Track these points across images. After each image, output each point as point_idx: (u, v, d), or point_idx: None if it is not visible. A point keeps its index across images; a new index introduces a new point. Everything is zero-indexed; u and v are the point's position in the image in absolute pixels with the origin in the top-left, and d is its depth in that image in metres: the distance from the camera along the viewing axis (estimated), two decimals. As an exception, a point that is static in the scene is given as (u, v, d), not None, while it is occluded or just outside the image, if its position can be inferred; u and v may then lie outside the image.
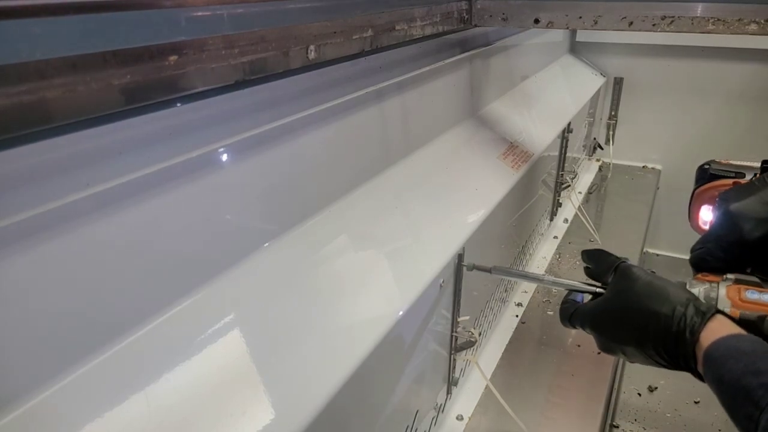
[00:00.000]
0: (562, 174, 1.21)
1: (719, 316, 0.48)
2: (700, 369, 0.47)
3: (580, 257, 1.15)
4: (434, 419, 0.69)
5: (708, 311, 0.48)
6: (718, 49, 1.46)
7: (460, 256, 0.65)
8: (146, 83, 0.37)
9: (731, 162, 0.67)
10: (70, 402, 0.35)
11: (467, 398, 0.76)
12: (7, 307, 0.32)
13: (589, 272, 0.61)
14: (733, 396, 0.42)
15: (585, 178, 1.54)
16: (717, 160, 0.69)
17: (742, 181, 0.64)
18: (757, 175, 0.62)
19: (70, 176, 0.35)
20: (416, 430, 0.64)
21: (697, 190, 0.69)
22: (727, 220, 0.57)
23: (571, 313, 0.59)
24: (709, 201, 0.67)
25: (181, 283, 0.44)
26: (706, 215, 0.67)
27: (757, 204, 0.56)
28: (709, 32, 0.75)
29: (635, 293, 0.52)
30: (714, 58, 1.48)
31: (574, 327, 0.59)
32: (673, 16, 0.76)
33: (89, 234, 0.36)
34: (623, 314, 0.53)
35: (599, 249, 0.62)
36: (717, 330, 0.47)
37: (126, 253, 0.39)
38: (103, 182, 0.37)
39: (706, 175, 0.68)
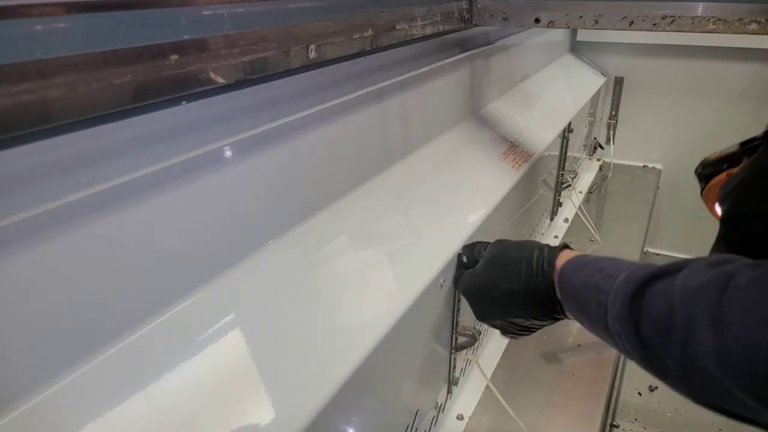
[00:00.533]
0: (562, 173, 1.21)
1: (567, 250, 0.55)
2: (559, 296, 0.52)
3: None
4: (434, 419, 0.69)
5: (559, 246, 0.55)
6: (718, 49, 1.46)
7: (460, 256, 0.65)
8: (147, 83, 0.37)
9: (719, 153, 0.71)
10: (70, 401, 0.35)
11: (467, 398, 0.76)
12: (7, 306, 0.32)
13: (465, 264, 0.64)
14: (584, 295, 0.47)
15: (585, 178, 1.54)
16: (707, 158, 0.72)
17: (735, 169, 0.67)
18: (741, 160, 0.66)
19: (71, 176, 0.35)
20: (416, 429, 0.64)
21: (703, 194, 0.73)
22: (727, 223, 0.58)
23: (457, 278, 0.64)
24: (715, 199, 0.70)
25: (181, 282, 0.44)
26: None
27: (749, 198, 0.56)
28: (709, 32, 0.75)
29: (502, 250, 0.59)
30: (715, 58, 1.48)
31: (458, 290, 0.64)
32: (673, 16, 0.76)
33: (89, 233, 0.36)
34: (495, 270, 0.58)
35: (474, 241, 0.66)
36: (566, 255, 0.53)
37: (126, 253, 0.39)
38: (104, 182, 0.37)
39: (702, 178, 0.72)
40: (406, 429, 0.61)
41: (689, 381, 0.38)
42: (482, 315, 0.61)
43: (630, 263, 0.46)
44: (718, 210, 0.68)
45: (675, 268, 0.41)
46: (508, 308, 0.57)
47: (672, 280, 0.40)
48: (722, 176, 0.69)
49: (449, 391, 0.73)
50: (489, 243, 0.62)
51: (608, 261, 0.48)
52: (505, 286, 0.56)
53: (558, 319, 0.55)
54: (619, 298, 0.43)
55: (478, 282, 0.59)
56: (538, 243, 0.58)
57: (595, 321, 0.46)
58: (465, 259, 0.64)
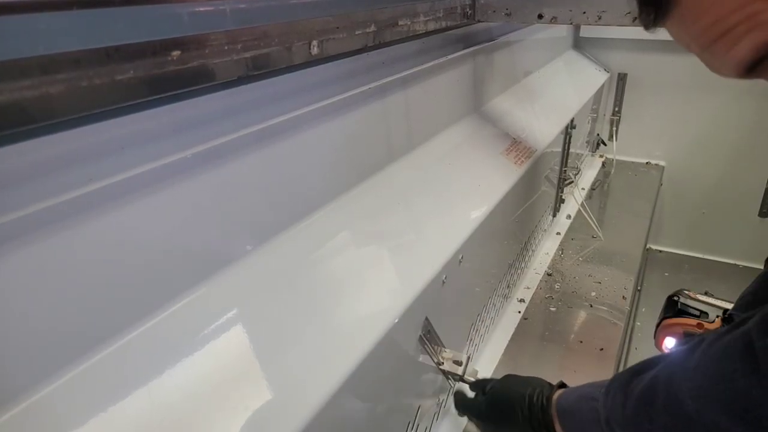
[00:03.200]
0: (565, 170, 1.21)
1: (562, 389, 0.60)
2: (554, 418, 0.57)
3: (582, 253, 1.15)
4: (436, 414, 0.70)
5: (555, 385, 0.61)
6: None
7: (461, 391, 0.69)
8: (149, 79, 0.37)
9: (699, 298, 0.77)
10: (73, 397, 0.35)
11: (469, 394, 0.76)
12: (10, 302, 0.32)
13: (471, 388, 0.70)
14: (579, 410, 0.54)
15: (588, 175, 1.54)
16: (687, 291, 0.78)
17: (706, 323, 0.74)
18: (718, 319, 0.72)
19: (73, 171, 0.35)
20: (418, 425, 0.64)
21: (663, 322, 0.78)
22: None
23: (459, 403, 0.70)
24: (673, 334, 0.77)
25: (183, 278, 0.44)
26: (670, 343, 0.78)
27: None
28: (714, 28, 0.74)
29: (507, 384, 0.65)
30: (719, 54, 1.47)
31: (463, 415, 0.70)
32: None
33: (91, 229, 0.36)
34: (501, 401, 0.63)
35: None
36: (561, 392, 0.59)
37: (128, 249, 0.39)
38: (106, 178, 0.37)
39: (675, 308, 0.78)
40: (408, 424, 0.61)
41: None
42: None
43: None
44: (671, 341, 0.77)
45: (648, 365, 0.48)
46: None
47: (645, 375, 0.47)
48: (692, 321, 0.74)
49: (450, 388, 0.73)
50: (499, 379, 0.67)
51: (593, 384, 0.55)
52: (507, 421, 0.61)
53: None
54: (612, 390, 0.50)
55: (484, 413, 0.65)
56: (538, 380, 0.63)
57: (592, 426, 0.51)
58: (469, 385, 0.69)
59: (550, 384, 0.62)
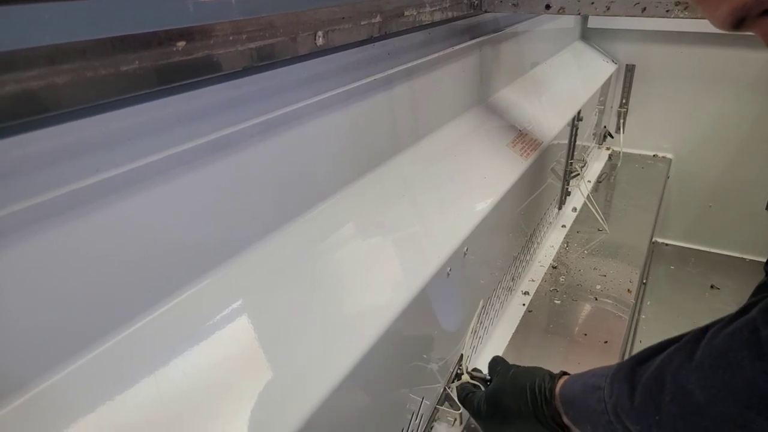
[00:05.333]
0: (571, 162, 1.20)
1: (564, 377, 0.60)
2: (560, 409, 0.57)
3: (588, 246, 1.15)
4: (439, 406, 0.70)
5: (557, 374, 0.61)
6: (733, 36, 1.43)
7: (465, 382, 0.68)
8: (155, 69, 0.37)
9: None
10: (80, 386, 0.35)
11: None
12: (18, 292, 0.33)
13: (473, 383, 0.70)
14: (584, 400, 0.53)
15: (594, 167, 1.53)
16: None
17: None
18: None
19: (79, 162, 0.35)
20: (422, 416, 0.64)
21: None
22: None
23: (464, 400, 0.68)
24: None
25: (189, 269, 0.44)
26: None
27: None
28: (724, 19, 0.74)
29: (511, 375, 0.64)
30: (729, 45, 1.46)
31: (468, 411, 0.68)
32: (687, 2, 0.75)
33: (98, 220, 0.36)
34: (501, 399, 0.62)
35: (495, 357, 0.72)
36: (563, 381, 0.59)
37: (135, 239, 0.39)
38: (112, 168, 0.37)
39: None
40: (412, 416, 0.62)
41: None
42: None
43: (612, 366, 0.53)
44: None
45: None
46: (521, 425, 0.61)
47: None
48: None
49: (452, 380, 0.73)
50: (503, 364, 0.67)
51: (596, 371, 0.54)
52: (511, 417, 0.60)
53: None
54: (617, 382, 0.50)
55: (485, 411, 0.64)
56: (540, 372, 0.62)
57: (596, 415, 0.51)
58: (471, 379, 0.70)
59: (550, 374, 0.61)
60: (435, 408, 0.69)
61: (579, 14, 0.89)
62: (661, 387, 0.44)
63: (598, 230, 1.22)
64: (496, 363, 0.69)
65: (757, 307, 0.39)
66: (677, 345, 0.45)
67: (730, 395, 0.38)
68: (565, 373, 0.61)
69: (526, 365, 0.65)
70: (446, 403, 0.71)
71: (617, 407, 0.49)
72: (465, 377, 0.71)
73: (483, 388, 0.67)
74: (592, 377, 0.54)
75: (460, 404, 0.69)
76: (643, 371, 0.47)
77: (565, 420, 0.57)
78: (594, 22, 1.61)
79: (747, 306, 0.41)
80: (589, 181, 1.42)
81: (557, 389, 0.58)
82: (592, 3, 0.81)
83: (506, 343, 0.86)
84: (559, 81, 1.27)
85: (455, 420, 0.69)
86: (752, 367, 0.37)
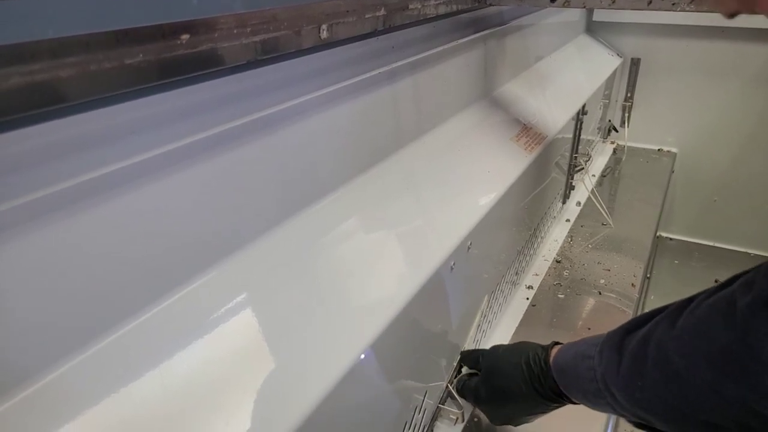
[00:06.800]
0: (575, 156, 1.20)
1: (558, 346, 0.60)
2: (555, 376, 0.57)
3: (592, 240, 1.15)
4: (442, 399, 0.70)
5: (549, 345, 0.60)
6: (739, 30, 1.42)
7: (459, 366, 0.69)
8: (158, 63, 0.37)
9: None
10: (85, 378, 0.35)
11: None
12: (24, 285, 0.33)
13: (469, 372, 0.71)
14: (575, 368, 0.53)
15: (599, 161, 1.53)
16: None
17: None
18: None
19: (84, 156, 0.36)
20: (425, 409, 0.65)
21: None
22: None
23: (460, 389, 0.69)
24: None
25: (192, 263, 0.44)
26: None
27: None
28: (731, 11, 0.73)
29: (498, 360, 0.64)
30: (735, 39, 1.45)
31: (468, 401, 0.69)
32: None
33: (102, 213, 0.37)
34: (497, 379, 0.62)
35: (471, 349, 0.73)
36: (557, 350, 0.59)
37: (139, 233, 0.39)
38: (117, 162, 0.37)
39: None
40: (415, 409, 0.62)
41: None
42: (498, 421, 0.65)
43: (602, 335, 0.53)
44: None
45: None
46: (521, 412, 0.62)
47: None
48: None
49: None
50: (485, 351, 0.67)
51: (588, 339, 0.55)
52: (512, 396, 0.60)
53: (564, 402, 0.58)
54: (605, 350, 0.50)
55: (484, 397, 0.64)
56: (530, 345, 0.62)
57: (586, 384, 0.52)
58: (462, 366, 0.70)
59: (542, 345, 0.61)
60: (437, 407, 0.69)
61: (584, 7, 0.88)
62: (645, 354, 0.45)
63: (602, 224, 1.21)
64: (472, 352, 0.69)
65: (739, 280, 0.40)
66: (663, 314, 0.46)
67: (707, 362, 0.40)
68: (557, 343, 0.60)
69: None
70: (449, 400, 0.71)
71: (606, 375, 0.49)
72: (464, 370, 0.71)
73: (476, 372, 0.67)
74: (583, 345, 0.54)
75: (457, 395, 0.68)
76: (631, 339, 0.48)
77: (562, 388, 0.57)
78: (599, 15, 1.60)
79: (732, 278, 0.42)
80: (594, 176, 1.42)
81: (551, 359, 0.58)
82: (598, -4, 0.80)
83: (509, 337, 0.86)
84: (564, 75, 1.26)
85: (457, 418, 0.69)
86: (726, 335, 0.38)
